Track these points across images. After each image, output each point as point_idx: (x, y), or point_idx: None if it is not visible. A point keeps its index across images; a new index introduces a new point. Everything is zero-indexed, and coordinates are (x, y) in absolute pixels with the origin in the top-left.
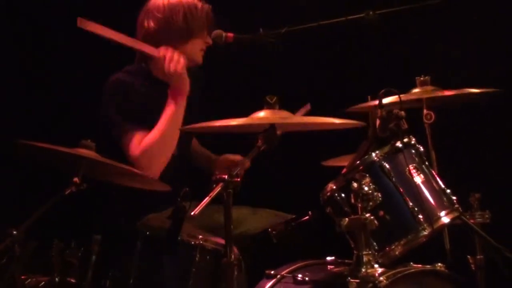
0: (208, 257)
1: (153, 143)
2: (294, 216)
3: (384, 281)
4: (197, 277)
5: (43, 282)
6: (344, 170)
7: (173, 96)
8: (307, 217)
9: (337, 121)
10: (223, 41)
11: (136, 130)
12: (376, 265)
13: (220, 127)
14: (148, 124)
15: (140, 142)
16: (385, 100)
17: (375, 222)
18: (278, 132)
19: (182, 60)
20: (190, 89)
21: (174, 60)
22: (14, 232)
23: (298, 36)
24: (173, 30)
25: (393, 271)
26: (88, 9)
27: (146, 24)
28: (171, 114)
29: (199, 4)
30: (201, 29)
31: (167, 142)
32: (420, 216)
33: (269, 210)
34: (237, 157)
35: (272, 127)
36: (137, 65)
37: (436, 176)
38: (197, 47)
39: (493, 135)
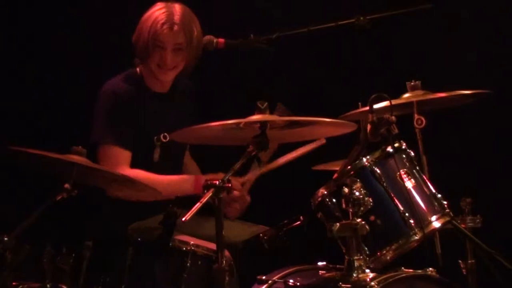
0: (199, 262)
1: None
2: (285, 222)
3: (376, 286)
4: (188, 283)
5: None
6: (335, 175)
7: (197, 186)
8: (298, 222)
9: (328, 120)
10: (214, 46)
11: (116, 145)
12: (367, 270)
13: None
14: (130, 140)
15: (113, 159)
16: (376, 105)
17: (366, 227)
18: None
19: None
20: (181, 100)
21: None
22: (5, 239)
23: (288, 42)
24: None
25: (385, 276)
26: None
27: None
28: (179, 185)
29: (160, 23)
30: (158, 47)
31: (150, 193)
32: (411, 221)
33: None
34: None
35: (263, 133)
36: (133, 72)
37: (427, 180)
38: (154, 63)
39: (484, 139)
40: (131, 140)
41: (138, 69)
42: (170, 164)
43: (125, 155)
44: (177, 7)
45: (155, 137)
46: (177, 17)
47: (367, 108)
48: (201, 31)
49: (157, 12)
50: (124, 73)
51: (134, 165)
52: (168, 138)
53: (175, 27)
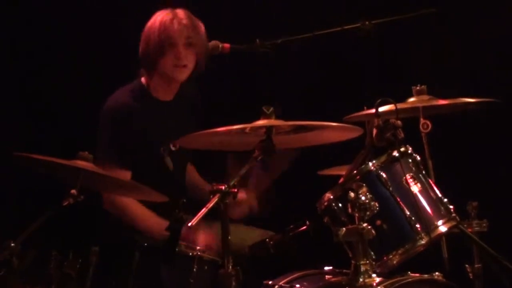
0: (206, 267)
1: (124, 212)
2: (291, 226)
3: None
4: (195, 287)
5: None
6: (341, 179)
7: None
8: (304, 227)
9: (334, 124)
10: (219, 51)
11: (115, 167)
12: (373, 275)
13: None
14: (129, 160)
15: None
16: (382, 110)
17: (373, 231)
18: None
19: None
20: (186, 107)
21: None
22: (12, 244)
23: (294, 47)
24: (148, 51)
25: (391, 281)
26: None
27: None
28: (152, 227)
29: (168, 21)
30: (170, 45)
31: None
32: (418, 225)
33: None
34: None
35: (268, 137)
36: (136, 84)
37: (433, 185)
38: (169, 63)
39: (490, 143)
40: (131, 158)
41: (143, 79)
42: (182, 172)
43: (124, 175)
44: (180, 10)
45: (164, 147)
46: (182, 15)
47: (373, 111)
48: (205, 33)
49: (162, 15)
50: (127, 85)
51: (149, 176)
52: (178, 147)
53: (184, 21)
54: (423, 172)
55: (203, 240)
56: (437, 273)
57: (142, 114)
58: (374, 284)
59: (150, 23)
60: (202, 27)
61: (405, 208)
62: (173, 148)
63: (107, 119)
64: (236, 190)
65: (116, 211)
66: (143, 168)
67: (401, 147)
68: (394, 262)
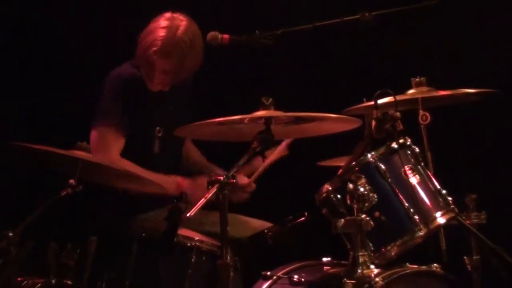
0: (204, 258)
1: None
2: (290, 217)
3: (380, 282)
4: (193, 278)
5: (39, 284)
6: (340, 171)
7: (183, 185)
8: (303, 218)
9: (333, 115)
10: (218, 42)
11: (110, 129)
12: (372, 266)
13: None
14: (126, 127)
15: (104, 141)
16: (381, 102)
17: (371, 223)
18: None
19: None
20: (180, 94)
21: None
22: (10, 234)
23: (293, 38)
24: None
25: (389, 272)
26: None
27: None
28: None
29: (154, 47)
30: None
31: (154, 187)
32: (416, 217)
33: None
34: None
35: (267, 128)
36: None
37: (432, 177)
38: (158, 75)
39: (489, 135)
40: (127, 128)
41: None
42: (169, 156)
43: (118, 141)
44: (182, 27)
45: (156, 129)
46: (173, 42)
47: (372, 103)
48: (202, 46)
49: (158, 31)
50: (132, 61)
51: (134, 155)
52: (162, 133)
53: (166, 56)
54: (422, 164)
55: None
56: (435, 264)
57: (142, 88)
58: (372, 275)
59: (148, 29)
60: (197, 43)
61: (403, 200)
62: (158, 134)
63: (110, 84)
64: (234, 181)
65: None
66: (131, 145)
67: (400, 139)
68: (393, 253)
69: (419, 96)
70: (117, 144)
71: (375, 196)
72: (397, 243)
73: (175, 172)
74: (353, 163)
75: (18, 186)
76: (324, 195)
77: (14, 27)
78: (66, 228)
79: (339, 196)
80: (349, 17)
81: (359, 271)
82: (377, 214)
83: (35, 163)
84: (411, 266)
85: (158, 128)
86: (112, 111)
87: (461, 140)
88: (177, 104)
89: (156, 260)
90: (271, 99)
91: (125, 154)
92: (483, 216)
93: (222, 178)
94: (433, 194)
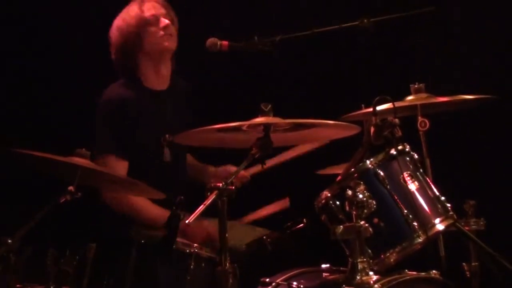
0: (203, 264)
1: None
2: (289, 224)
3: None
4: (192, 285)
5: None
6: (339, 177)
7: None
8: (301, 224)
9: (331, 122)
10: (217, 49)
11: (113, 158)
12: (371, 273)
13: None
14: (127, 150)
15: (110, 169)
16: (380, 108)
17: (370, 229)
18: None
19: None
20: (179, 98)
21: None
22: (9, 241)
23: (292, 44)
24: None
25: (388, 279)
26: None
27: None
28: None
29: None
30: (153, 18)
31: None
32: (415, 224)
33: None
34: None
35: (266, 135)
36: (129, 77)
37: (430, 183)
38: (156, 36)
39: (488, 142)
40: (127, 150)
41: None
42: (179, 164)
43: (122, 165)
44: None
45: (162, 137)
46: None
47: (370, 109)
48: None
49: (130, 5)
50: (121, 80)
51: (146, 167)
52: (172, 138)
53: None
54: (421, 170)
55: (200, 236)
56: (434, 271)
57: (137, 104)
58: (371, 282)
59: (122, 14)
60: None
61: (402, 206)
62: (169, 139)
63: (103, 111)
64: (233, 187)
65: (120, 207)
66: (140, 160)
67: (398, 145)
68: (391, 260)
69: (418, 102)
70: (122, 168)
71: (374, 203)
72: (396, 249)
73: (176, 181)
74: (352, 169)
75: (17, 192)
76: (323, 201)
77: (14, 33)
78: (65, 235)
79: (338, 202)
80: (347, 24)
81: (358, 277)
82: (376, 220)
83: (34, 170)
84: (410, 272)
85: (166, 134)
86: (105, 139)
87: (460, 147)
88: (178, 107)
89: (155, 267)
90: (270, 106)
91: (137, 168)
92: (481, 223)
93: (221, 185)
94: (432, 200)
